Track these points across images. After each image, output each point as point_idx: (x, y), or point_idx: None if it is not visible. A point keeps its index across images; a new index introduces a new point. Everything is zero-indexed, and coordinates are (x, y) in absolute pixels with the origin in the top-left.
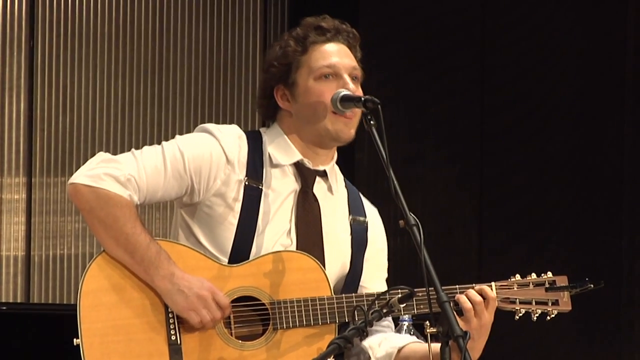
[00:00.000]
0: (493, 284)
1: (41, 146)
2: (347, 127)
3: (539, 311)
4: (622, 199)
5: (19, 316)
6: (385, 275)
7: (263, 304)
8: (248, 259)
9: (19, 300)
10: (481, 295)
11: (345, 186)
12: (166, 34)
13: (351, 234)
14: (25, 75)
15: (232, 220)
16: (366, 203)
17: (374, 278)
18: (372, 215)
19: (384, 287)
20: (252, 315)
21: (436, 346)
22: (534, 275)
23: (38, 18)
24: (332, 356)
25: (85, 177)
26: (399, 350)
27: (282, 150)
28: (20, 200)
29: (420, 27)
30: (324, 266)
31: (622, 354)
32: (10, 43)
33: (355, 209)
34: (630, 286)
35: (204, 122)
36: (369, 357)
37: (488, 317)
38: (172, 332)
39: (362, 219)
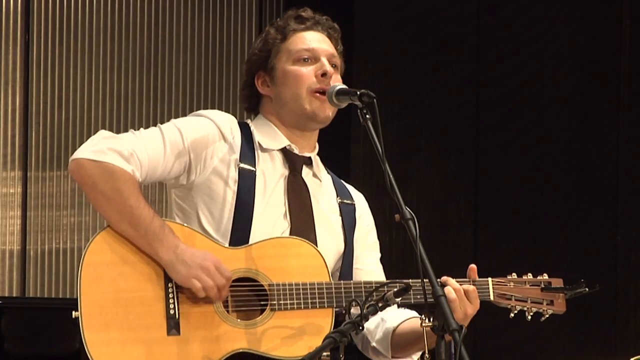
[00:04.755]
0: (490, 279)
1: (36, 140)
2: (323, 106)
3: (534, 310)
4: (617, 192)
5: (14, 310)
6: (378, 254)
7: (262, 286)
8: (247, 241)
9: (14, 294)
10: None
11: (328, 173)
12: (161, 28)
13: (341, 214)
14: (21, 69)
15: (230, 200)
16: (351, 188)
17: (366, 258)
18: (359, 198)
19: (378, 267)
20: (251, 296)
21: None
22: (530, 275)
23: (33, 12)
24: (327, 350)
25: (88, 152)
26: (394, 331)
27: (269, 137)
28: (16, 194)
29: (415, 21)
30: (316, 245)
31: (617, 347)
32: (5, 37)
33: (341, 193)
34: (626, 280)
35: None
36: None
37: (472, 308)
38: (171, 305)
39: (349, 201)
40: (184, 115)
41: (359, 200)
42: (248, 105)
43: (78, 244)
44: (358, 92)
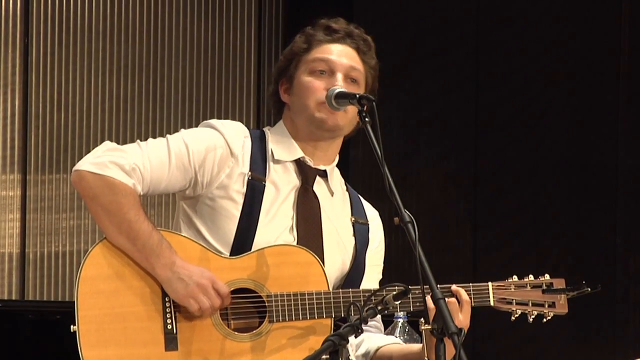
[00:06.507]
0: (490, 284)
1: (36, 143)
2: (332, 114)
3: (535, 313)
4: (616, 195)
5: (13, 313)
6: (379, 277)
7: (260, 297)
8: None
9: (13, 297)
10: (455, 296)
11: (347, 190)
12: (160, 31)
13: (354, 234)
14: (20, 72)
15: (235, 213)
16: (367, 206)
17: (368, 279)
18: (373, 218)
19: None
20: (249, 308)
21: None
22: (531, 277)
23: (33, 15)
24: (326, 353)
25: (90, 164)
26: (377, 349)
27: (284, 147)
28: (15, 197)
29: (414, 23)
30: (323, 263)
31: (616, 350)
32: (4, 40)
33: (357, 212)
34: (625, 283)
35: (198, 120)
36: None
37: (462, 319)
38: (169, 321)
39: (363, 220)
40: (183, 119)
41: (374, 221)
42: (275, 111)
43: (77, 247)
44: (357, 95)
